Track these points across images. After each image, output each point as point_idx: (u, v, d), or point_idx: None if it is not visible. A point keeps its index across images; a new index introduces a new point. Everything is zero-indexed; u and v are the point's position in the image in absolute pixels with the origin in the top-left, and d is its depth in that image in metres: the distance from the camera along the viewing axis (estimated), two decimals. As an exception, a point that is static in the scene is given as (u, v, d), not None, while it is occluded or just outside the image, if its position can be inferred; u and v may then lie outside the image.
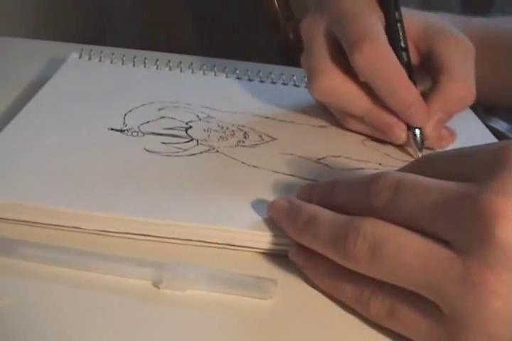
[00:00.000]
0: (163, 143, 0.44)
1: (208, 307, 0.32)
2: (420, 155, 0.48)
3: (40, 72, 0.56)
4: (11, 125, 0.43)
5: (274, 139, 0.48)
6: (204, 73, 0.58)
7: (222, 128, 0.48)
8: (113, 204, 0.36)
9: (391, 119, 0.48)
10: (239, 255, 0.36)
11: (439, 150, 0.49)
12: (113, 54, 0.57)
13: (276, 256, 0.36)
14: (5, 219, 0.35)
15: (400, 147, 0.50)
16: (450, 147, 0.35)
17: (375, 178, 0.32)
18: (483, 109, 0.66)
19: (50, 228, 0.35)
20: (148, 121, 0.47)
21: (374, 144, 0.49)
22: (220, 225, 0.36)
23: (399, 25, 0.49)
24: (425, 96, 0.48)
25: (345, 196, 0.34)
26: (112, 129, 0.45)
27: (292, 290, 0.34)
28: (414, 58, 0.50)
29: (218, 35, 1.34)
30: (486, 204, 0.27)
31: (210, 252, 0.36)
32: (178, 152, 0.44)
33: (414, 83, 0.48)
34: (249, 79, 0.58)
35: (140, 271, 0.33)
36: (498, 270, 0.27)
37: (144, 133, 0.45)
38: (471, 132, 0.55)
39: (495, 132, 0.55)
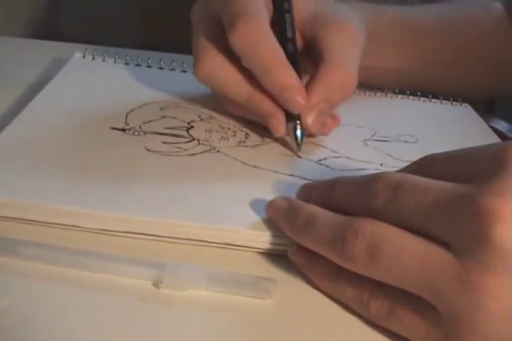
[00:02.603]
0: (164, 142, 0.44)
1: (208, 307, 0.32)
2: (299, 152, 0.46)
3: (44, 71, 0.56)
4: (13, 124, 0.43)
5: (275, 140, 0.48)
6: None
7: (223, 128, 0.48)
8: (113, 203, 0.36)
9: (270, 109, 0.45)
10: (239, 255, 0.36)
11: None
12: (117, 54, 0.58)
13: (276, 256, 0.36)
14: (5, 217, 0.36)
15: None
16: (447, 147, 0.35)
17: (375, 179, 0.32)
18: (484, 108, 0.66)
19: (49, 226, 0.35)
20: (150, 121, 0.47)
21: (375, 144, 0.49)
22: (220, 225, 0.36)
23: (287, 15, 0.47)
24: (306, 86, 0.45)
25: (344, 196, 0.34)
26: (113, 128, 0.45)
27: (292, 290, 0.34)
28: (300, 47, 0.48)
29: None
30: (484, 205, 0.27)
31: (210, 252, 0.36)
32: (178, 152, 0.44)
33: (299, 73, 0.45)
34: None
35: (140, 271, 0.33)
36: (495, 271, 0.27)
37: (145, 133, 0.45)
38: (474, 132, 0.55)
39: (495, 132, 0.55)
